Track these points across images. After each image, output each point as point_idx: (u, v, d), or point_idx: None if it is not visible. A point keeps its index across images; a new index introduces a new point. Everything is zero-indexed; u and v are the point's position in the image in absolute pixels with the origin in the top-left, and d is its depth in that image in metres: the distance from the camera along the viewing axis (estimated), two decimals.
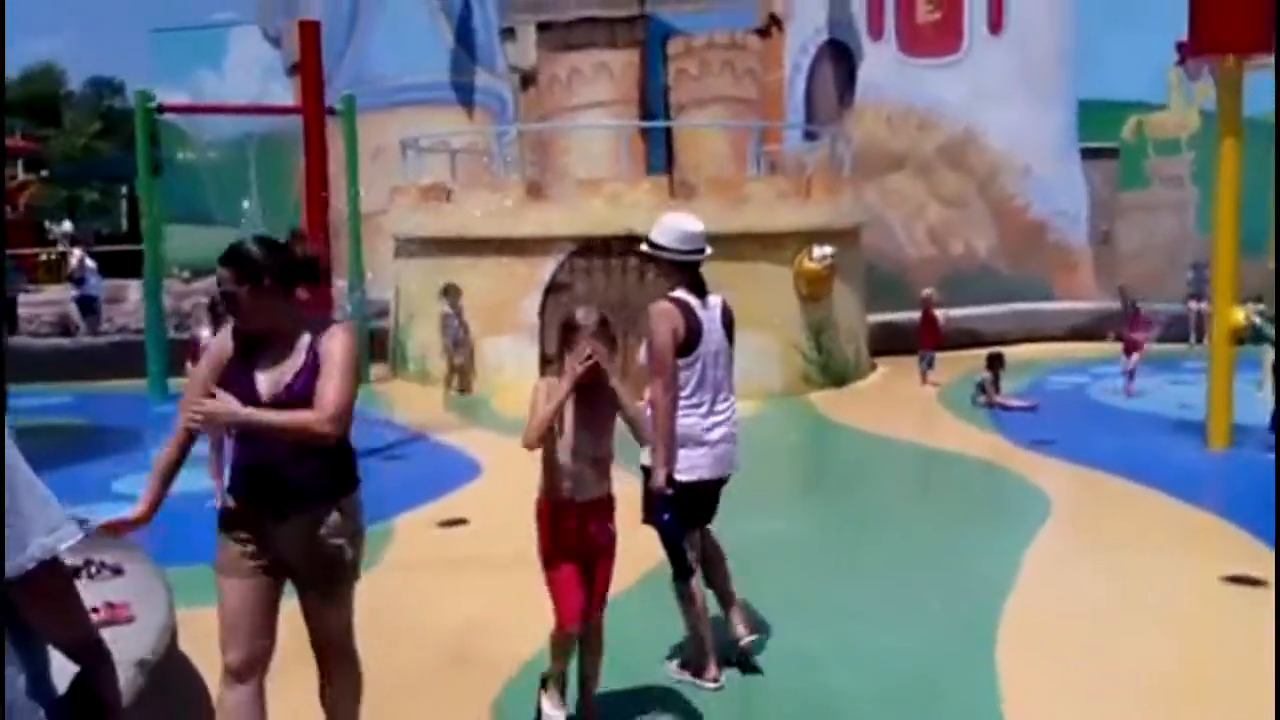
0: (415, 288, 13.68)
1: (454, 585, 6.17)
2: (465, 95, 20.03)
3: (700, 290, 4.71)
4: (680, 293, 4.67)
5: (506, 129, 18.46)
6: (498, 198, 12.75)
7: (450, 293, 12.47)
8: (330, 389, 3.38)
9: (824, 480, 9.44)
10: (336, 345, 3.45)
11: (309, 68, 9.19)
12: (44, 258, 21.74)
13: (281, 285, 3.47)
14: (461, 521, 7.45)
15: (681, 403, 4.57)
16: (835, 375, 13.03)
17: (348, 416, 3.43)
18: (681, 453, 4.55)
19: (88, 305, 15.69)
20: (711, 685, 4.70)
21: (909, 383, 13.08)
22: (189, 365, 5.86)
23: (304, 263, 3.59)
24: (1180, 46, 10.42)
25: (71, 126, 40.39)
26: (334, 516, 3.53)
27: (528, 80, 20.02)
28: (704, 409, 4.66)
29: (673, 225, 4.68)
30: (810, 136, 17.42)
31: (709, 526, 4.99)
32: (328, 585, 3.65)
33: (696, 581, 4.71)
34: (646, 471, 4.60)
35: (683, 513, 4.59)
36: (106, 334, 15.89)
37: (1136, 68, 16.61)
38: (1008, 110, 17.13)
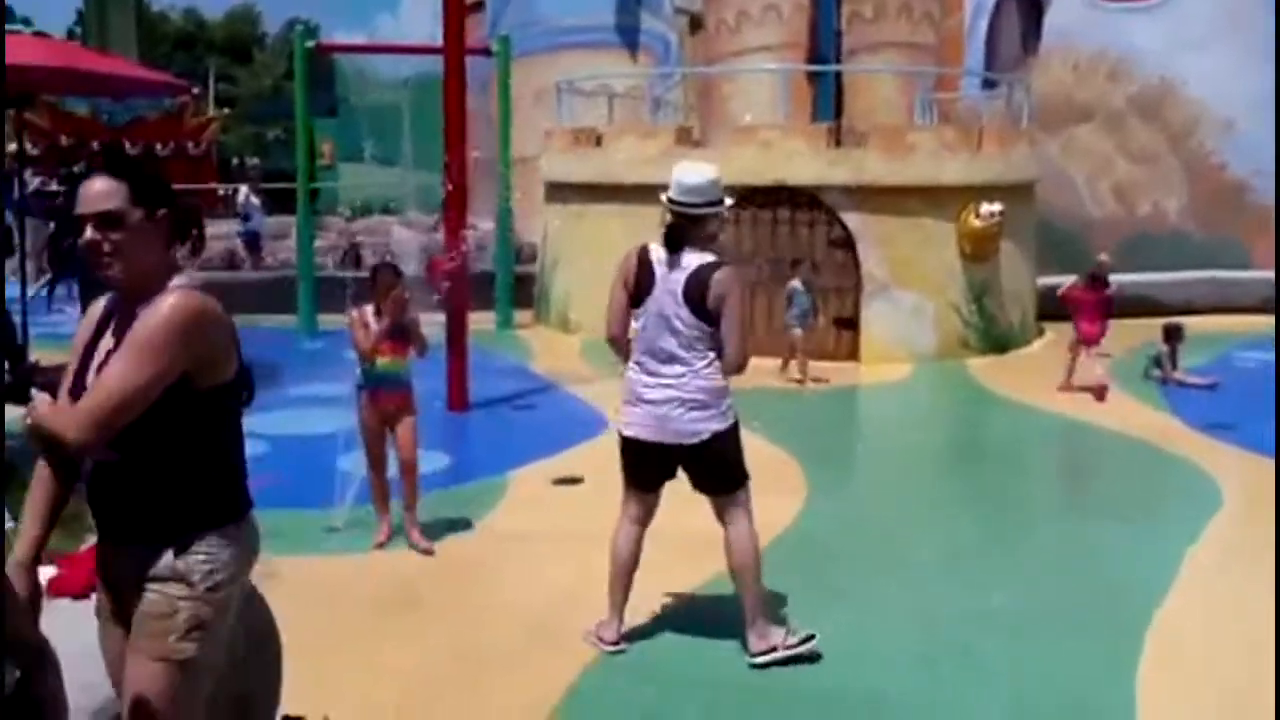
0: (562, 234, 13.47)
1: (553, 553, 5.90)
2: (630, 38, 19.65)
3: (674, 245, 4.43)
4: (654, 243, 4.55)
5: (667, 72, 18.02)
6: (646, 144, 12.36)
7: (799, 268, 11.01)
8: (99, 384, 2.44)
9: (964, 458, 8.75)
10: (144, 322, 2.46)
11: (451, 7, 8.96)
12: (221, 193, 22.52)
13: (174, 228, 2.63)
14: (576, 480, 7.19)
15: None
16: (996, 341, 12.22)
17: (108, 423, 2.40)
18: (623, 405, 4.64)
19: (251, 241, 16.08)
20: (607, 647, 4.61)
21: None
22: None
23: (187, 213, 2.72)
24: None
25: (261, 67, 41.88)
26: (164, 560, 2.54)
27: (695, 23, 19.53)
28: (640, 369, 4.54)
29: (675, 173, 4.53)
30: (989, 85, 16.37)
31: (727, 525, 4.60)
32: (147, 648, 2.54)
33: (621, 535, 4.76)
34: None
35: (625, 465, 4.71)
36: (271, 269, 16.29)
37: None
38: (1210, 59, 15.68)
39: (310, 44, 12.85)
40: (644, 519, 4.76)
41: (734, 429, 4.52)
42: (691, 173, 4.45)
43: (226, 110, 31.05)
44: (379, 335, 5.70)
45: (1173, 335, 10.84)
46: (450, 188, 8.86)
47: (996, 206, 11.74)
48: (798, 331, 10.56)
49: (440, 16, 8.98)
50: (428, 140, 12.25)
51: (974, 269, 12.01)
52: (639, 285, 4.52)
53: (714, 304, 4.33)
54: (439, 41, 9.15)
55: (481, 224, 15.97)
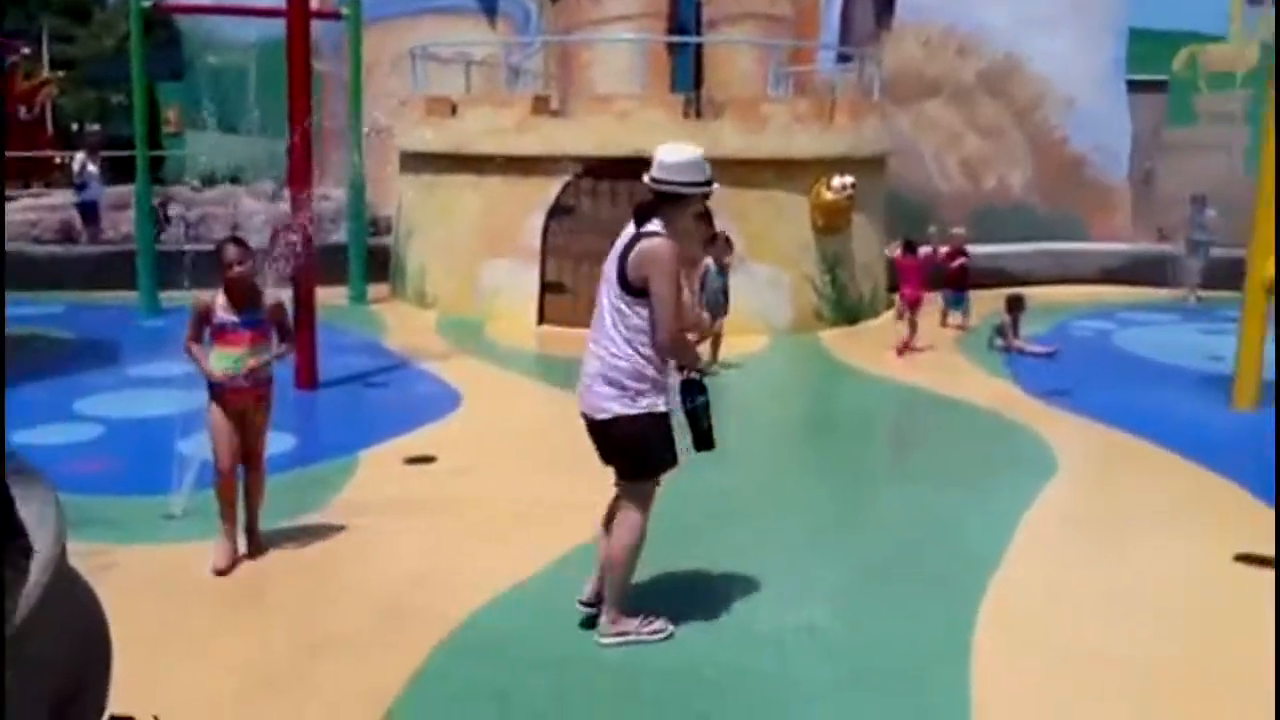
0: (416, 205, 13.20)
1: (404, 531, 5.80)
2: (489, 5, 19.32)
3: (638, 219, 4.32)
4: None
5: (526, 41, 17.78)
6: (502, 113, 12.18)
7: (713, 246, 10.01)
8: None
9: (817, 430, 8.91)
10: None
11: None
12: (59, 161, 21.36)
13: None
14: (429, 459, 7.07)
15: None
16: (848, 312, 12.48)
17: None
18: None
19: (89, 211, 15.29)
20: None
21: (926, 323, 12.50)
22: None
23: None
24: None
25: (101, 27, 39.82)
26: None
27: None
28: (589, 339, 4.44)
29: (657, 152, 4.35)
30: (844, 59, 16.62)
31: (617, 511, 4.57)
32: None
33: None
34: None
35: None
36: (112, 242, 15.54)
37: None
38: (1054, 37, 16.25)
39: (147, 3, 12.23)
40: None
41: (644, 418, 4.30)
42: (670, 151, 4.28)
43: (62, 73, 29.41)
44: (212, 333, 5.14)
45: (1015, 305, 11.22)
46: (293, 155, 8.57)
47: (848, 179, 11.93)
48: (706, 316, 9.33)
49: None
50: (277, 106, 11.85)
51: (827, 241, 12.21)
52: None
53: (634, 276, 4.19)
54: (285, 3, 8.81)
55: (336, 194, 15.58)
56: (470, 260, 12.38)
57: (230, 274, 5.11)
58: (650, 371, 4.28)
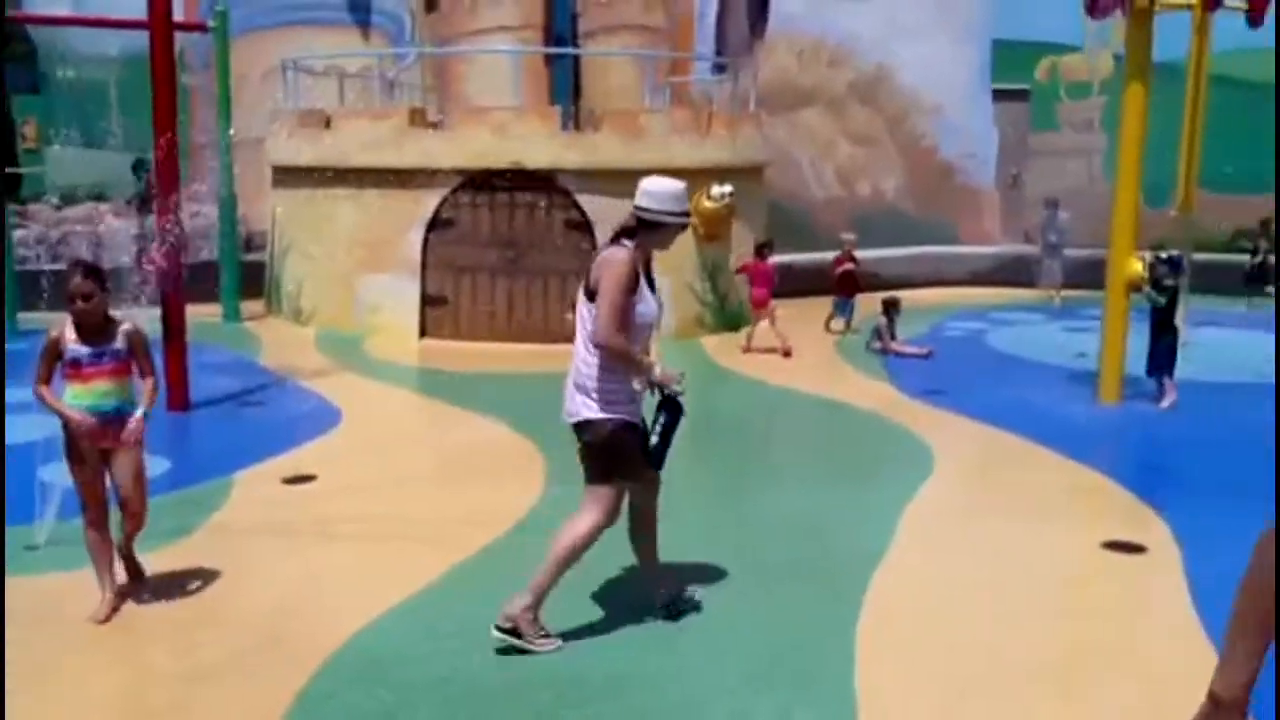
0: (291, 220, 12.92)
1: (283, 553, 5.67)
2: (362, 17, 19.04)
3: (615, 239, 4.55)
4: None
5: (400, 52, 17.57)
6: (378, 125, 12.00)
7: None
8: None
9: (701, 435, 8.89)
10: None
11: None
12: None
13: None
14: (308, 478, 6.91)
15: None
16: (729, 319, 12.60)
17: None
18: None
19: None
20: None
21: (806, 327, 12.71)
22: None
23: None
24: None
25: None
26: None
27: (430, 2, 19.10)
28: None
29: (642, 183, 4.58)
30: (720, 69, 16.82)
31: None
32: None
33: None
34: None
35: None
36: None
37: (1051, 6, 16.24)
38: (921, 47, 16.70)
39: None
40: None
41: (613, 425, 4.44)
42: (656, 183, 4.51)
43: None
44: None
45: (890, 308, 11.49)
46: (160, 170, 8.32)
47: (727, 188, 12.07)
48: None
49: None
50: (142, 121, 11.48)
51: (707, 249, 12.32)
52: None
53: (593, 282, 4.42)
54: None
55: (207, 210, 15.14)
56: (349, 275, 12.16)
57: (74, 309, 4.64)
58: (614, 380, 4.42)
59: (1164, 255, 9.29)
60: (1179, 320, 9.21)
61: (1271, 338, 11.96)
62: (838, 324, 12.64)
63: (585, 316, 4.45)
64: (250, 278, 13.34)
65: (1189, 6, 10.70)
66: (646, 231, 4.48)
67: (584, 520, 4.51)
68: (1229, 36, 11.94)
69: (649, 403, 4.61)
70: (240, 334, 12.17)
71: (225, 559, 5.56)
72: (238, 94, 13.80)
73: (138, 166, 15.04)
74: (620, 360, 4.39)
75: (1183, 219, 11.97)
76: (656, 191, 4.47)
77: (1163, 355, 8.99)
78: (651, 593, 4.87)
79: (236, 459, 7.20)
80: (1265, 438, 7.57)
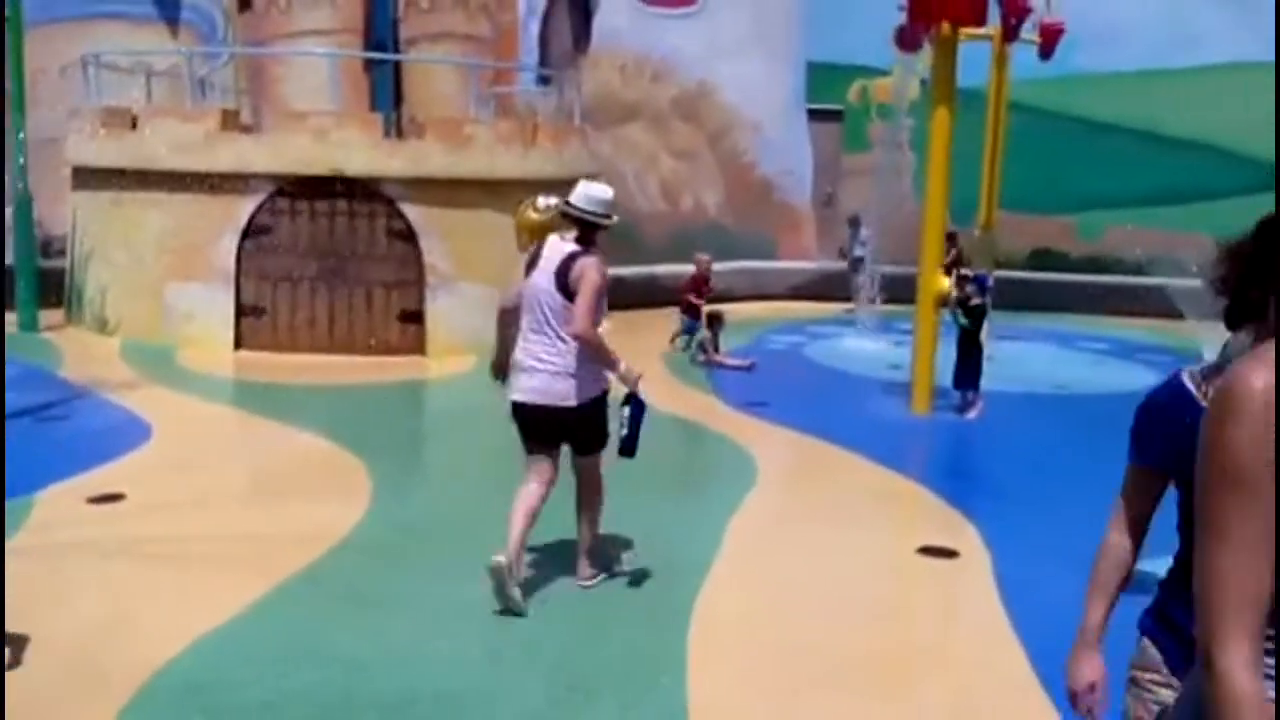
0: (94, 224, 12.26)
1: (91, 576, 5.36)
2: (170, 13, 18.26)
3: (579, 240, 5.29)
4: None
5: (212, 51, 16.93)
6: (189, 127, 11.52)
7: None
8: None
9: (508, 447, 8.94)
10: None
11: None
12: None
13: None
14: (117, 497, 6.55)
15: None
16: None
17: None
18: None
19: None
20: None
21: (632, 339, 12.75)
22: None
23: None
24: (900, 29, 10.49)
25: None
26: None
27: (244, 2, 18.47)
28: (521, 340, 5.25)
29: (585, 188, 5.45)
30: (544, 81, 16.84)
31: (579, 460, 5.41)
32: None
33: (523, 490, 5.31)
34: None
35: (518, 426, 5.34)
36: None
37: (863, 31, 16.90)
38: (741, 66, 17.11)
39: None
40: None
41: (598, 399, 5.30)
42: (595, 188, 5.40)
43: None
44: None
45: (714, 321, 11.71)
46: None
47: (554, 199, 12.00)
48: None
49: None
50: None
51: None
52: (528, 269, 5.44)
53: (572, 282, 5.08)
54: None
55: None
56: (157, 283, 11.60)
57: None
58: (588, 361, 5.14)
59: (970, 274, 9.76)
60: (984, 336, 9.67)
61: (1069, 353, 12.82)
62: (679, 343, 12.58)
63: (555, 311, 5.08)
64: (49, 285, 12.57)
65: (988, 38, 11.34)
66: (590, 232, 5.30)
67: (596, 487, 5.44)
68: (1025, 67, 12.73)
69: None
70: (38, 344, 11.45)
71: (27, 584, 5.19)
72: (33, 89, 13.04)
73: None
74: (596, 351, 5.10)
75: (985, 237, 12.64)
76: (599, 198, 5.32)
77: (970, 371, 9.41)
78: (577, 564, 5.46)
79: (37, 477, 6.73)
80: (1062, 448, 8.08)
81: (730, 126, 17.74)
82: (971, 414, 9.32)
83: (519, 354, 5.21)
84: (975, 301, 9.45)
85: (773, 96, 17.77)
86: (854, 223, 15.78)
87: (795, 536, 6.32)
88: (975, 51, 10.97)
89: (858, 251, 15.50)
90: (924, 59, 12.21)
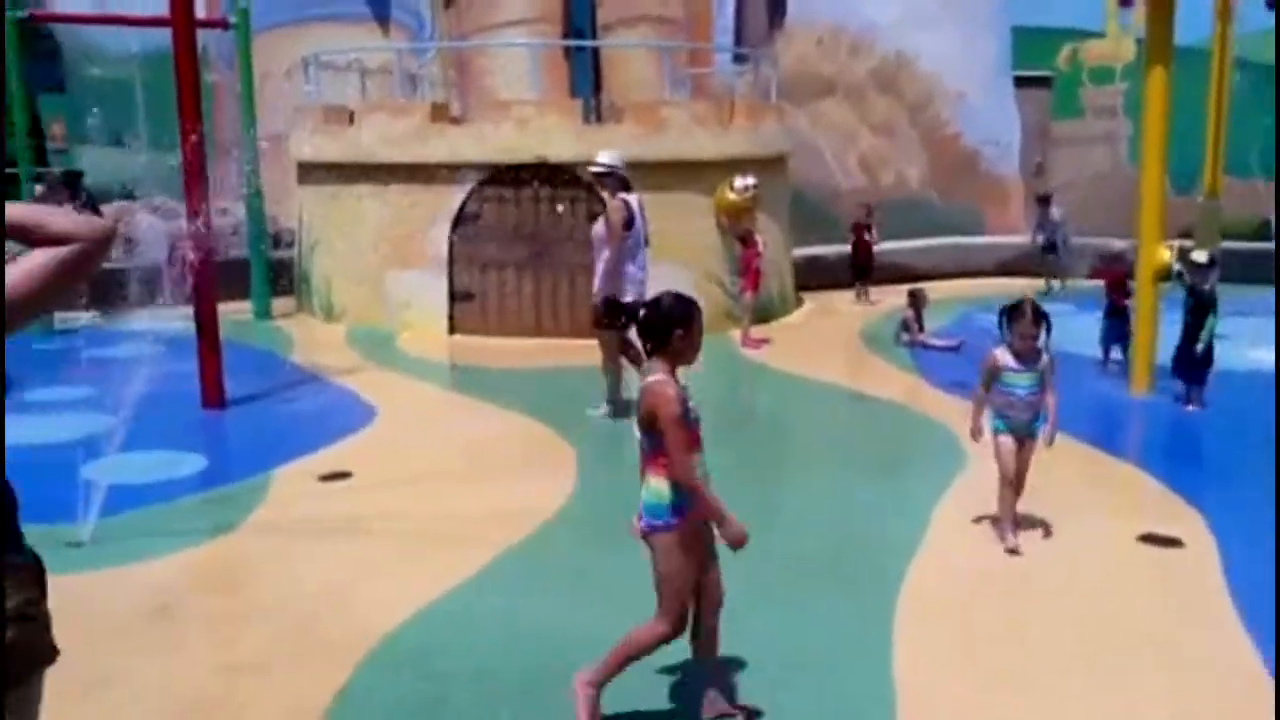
0: (318, 217, 12.99)
1: (321, 549, 5.71)
2: (381, 11, 19.12)
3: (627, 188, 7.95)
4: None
5: (421, 47, 17.62)
6: (401, 121, 12.05)
7: None
8: None
9: (729, 427, 8.93)
10: None
11: None
12: None
13: None
14: (345, 474, 6.96)
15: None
16: (758, 312, 12.60)
17: None
18: None
19: None
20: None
21: (835, 319, 12.75)
22: None
23: None
24: None
25: None
26: None
27: None
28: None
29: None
30: (740, 60, 16.80)
31: None
32: None
33: None
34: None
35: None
36: None
37: None
38: (940, 34, 16.64)
39: (22, 14, 11.83)
40: None
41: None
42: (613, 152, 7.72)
43: None
44: None
45: (917, 300, 11.46)
46: (187, 168, 8.39)
47: (750, 179, 12.06)
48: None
49: None
50: (167, 118, 11.59)
51: (732, 241, 12.31)
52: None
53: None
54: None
55: (236, 207, 15.22)
56: (377, 271, 12.22)
57: None
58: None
59: (1201, 258, 8.84)
60: (1210, 325, 8.71)
61: None
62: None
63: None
64: (279, 275, 13.42)
65: None
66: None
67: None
68: (1250, 19, 11.88)
69: None
70: (271, 331, 12.26)
71: (263, 555, 5.63)
72: (261, 91, 13.88)
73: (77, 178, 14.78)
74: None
75: (1209, 206, 11.91)
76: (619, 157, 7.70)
77: (1193, 360, 8.68)
78: None
79: (273, 456, 7.26)
80: None
81: (931, 97, 17.29)
82: (1191, 407, 8.68)
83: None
84: (1206, 287, 8.72)
85: (975, 64, 17.19)
86: (1044, 201, 15.04)
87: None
88: (1196, 5, 10.31)
89: (1050, 233, 14.76)
90: (1139, 17, 11.63)
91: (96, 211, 15.10)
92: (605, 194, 8.14)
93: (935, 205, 16.91)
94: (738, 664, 4.40)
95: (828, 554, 5.60)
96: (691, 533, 3.83)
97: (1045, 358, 5.68)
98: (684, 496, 3.79)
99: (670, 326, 3.81)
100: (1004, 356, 5.71)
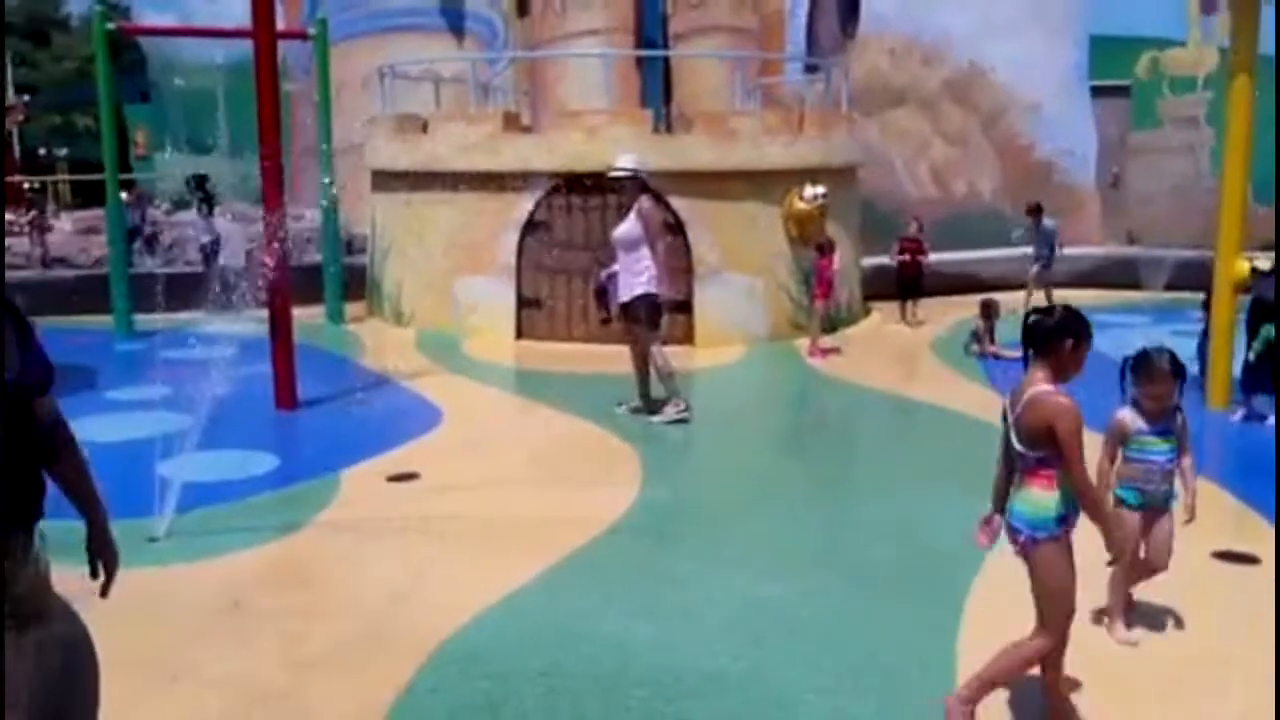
0: (390, 223, 13.20)
1: (388, 549, 5.80)
2: (455, 22, 19.39)
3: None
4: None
5: (493, 57, 17.83)
6: (473, 129, 12.20)
7: None
8: None
9: (795, 436, 8.97)
10: None
11: None
12: (27, 186, 21.19)
13: None
14: (412, 476, 7.07)
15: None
16: (826, 320, 12.55)
17: None
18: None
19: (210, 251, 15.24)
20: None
21: (904, 330, 12.63)
22: None
23: None
24: None
25: (65, 50, 39.54)
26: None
27: (522, 7, 19.35)
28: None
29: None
30: (811, 69, 16.75)
31: None
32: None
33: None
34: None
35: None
36: (82, 266, 15.46)
37: (1151, 1, 15.90)
38: (1015, 44, 16.46)
39: (111, 26, 12.19)
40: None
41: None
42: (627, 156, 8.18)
43: (27, 97, 29.22)
44: None
45: (989, 310, 11.33)
46: (265, 176, 8.58)
47: (820, 189, 12.02)
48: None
49: None
50: (247, 127, 11.87)
51: (801, 251, 12.28)
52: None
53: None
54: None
55: (310, 214, 15.54)
56: (446, 277, 12.38)
57: None
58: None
59: (1263, 266, 8.59)
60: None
61: None
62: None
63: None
64: (351, 280, 13.65)
65: None
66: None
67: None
68: None
69: None
70: (343, 335, 12.48)
71: (332, 553, 5.72)
72: (337, 100, 14.14)
73: (203, 182, 15.35)
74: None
75: None
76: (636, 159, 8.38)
77: (1254, 372, 8.43)
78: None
79: (343, 457, 7.39)
80: None
81: (1005, 108, 17.09)
82: (1270, 421, 8.42)
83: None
84: (1267, 295, 8.50)
85: (1051, 74, 16.97)
86: (1035, 211, 13.90)
87: (1077, 534, 6.04)
88: None
89: (1041, 245, 13.80)
90: (1222, 25, 11.37)
91: (212, 211, 15.63)
92: (624, 197, 8.76)
93: (1008, 216, 16.69)
94: (792, 671, 4.39)
95: (892, 564, 5.56)
96: (1070, 542, 3.86)
97: (1180, 417, 4.86)
98: (1070, 506, 3.81)
99: (1063, 336, 3.80)
100: (1134, 419, 4.87)
